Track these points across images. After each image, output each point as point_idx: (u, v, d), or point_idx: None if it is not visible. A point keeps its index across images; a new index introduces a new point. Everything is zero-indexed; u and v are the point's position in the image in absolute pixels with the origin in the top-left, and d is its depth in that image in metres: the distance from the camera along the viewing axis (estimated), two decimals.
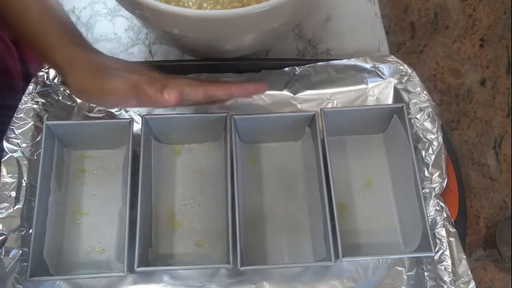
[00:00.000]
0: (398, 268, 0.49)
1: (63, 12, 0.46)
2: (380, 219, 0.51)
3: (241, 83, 0.49)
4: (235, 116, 0.49)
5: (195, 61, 0.56)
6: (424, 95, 0.53)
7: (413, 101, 0.53)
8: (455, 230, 0.48)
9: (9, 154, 0.49)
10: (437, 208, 0.48)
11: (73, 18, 0.60)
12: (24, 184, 0.48)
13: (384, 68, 0.55)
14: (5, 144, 0.49)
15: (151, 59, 0.59)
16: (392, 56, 0.55)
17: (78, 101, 0.54)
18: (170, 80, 0.44)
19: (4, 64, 0.64)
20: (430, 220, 0.48)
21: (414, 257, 0.49)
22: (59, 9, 0.46)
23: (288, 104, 0.55)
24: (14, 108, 0.51)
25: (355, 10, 0.62)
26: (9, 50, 0.65)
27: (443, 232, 0.47)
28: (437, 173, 0.49)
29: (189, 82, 0.45)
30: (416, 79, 0.54)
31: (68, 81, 0.43)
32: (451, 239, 0.47)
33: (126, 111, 0.54)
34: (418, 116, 0.52)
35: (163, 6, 0.40)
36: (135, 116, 0.54)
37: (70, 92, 0.51)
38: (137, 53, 0.59)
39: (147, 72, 0.44)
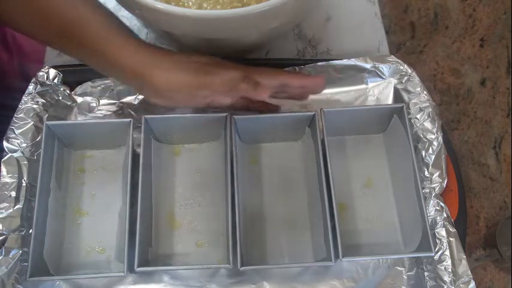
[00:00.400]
0: (398, 268, 0.49)
1: (118, 18, 0.45)
2: (380, 219, 0.51)
3: (312, 77, 0.49)
4: (235, 116, 0.49)
5: None
6: (424, 95, 0.53)
7: (413, 101, 0.53)
8: (455, 230, 0.48)
9: (9, 154, 0.49)
10: (437, 208, 0.48)
11: None
12: (24, 184, 0.48)
13: (384, 68, 0.55)
14: (5, 144, 0.49)
15: None
16: (392, 56, 0.55)
17: (78, 101, 0.55)
18: (253, 71, 0.45)
19: (4, 64, 0.64)
20: (430, 220, 0.48)
21: (414, 257, 0.49)
22: (114, 16, 0.45)
23: (288, 104, 0.55)
24: (14, 108, 0.51)
25: (355, 10, 0.62)
26: (9, 50, 0.65)
27: (443, 232, 0.47)
28: (437, 173, 0.49)
29: (268, 69, 0.46)
30: (416, 79, 0.54)
31: (151, 81, 0.42)
32: (451, 239, 0.47)
33: (127, 111, 0.54)
34: (418, 116, 0.52)
35: (163, 6, 0.40)
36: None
37: (150, 92, 0.45)
38: None
39: (233, 68, 0.44)
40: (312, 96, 0.56)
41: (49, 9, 0.42)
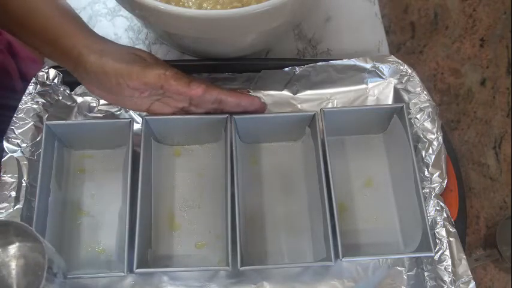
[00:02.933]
0: (398, 268, 0.49)
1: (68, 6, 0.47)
2: (380, 219, 0.51)
3: (249, 96, 0.50)
4: (235, 116, 0.49)
5: (195, 61, 0.56)
6: (424, 95, 0.53)
7: (413, 101, 0.53)
8: (455, 230, 0.48)
9: (9, 154, 0.49)
10: (437, 208, 0.48)
11: None
12: (24, 184, 0.48)
13: (384, 68, 0.55)
14: (5, 144, 0.49)
15: None
16: (392, 56, 0.55)
17: (78, 101, 0.54)
18: (193, 78, 0.46)
19: (4, 64, 0.64)
20: (430, 220, 0.48)
21: (414, 257, 0.49)
22: (70, 7, 0.47)
23: (288, 104, 0.55)
24: (14, 108, 0.51)
25: (355, 10, 0.62)
26: (9, 50, 0.65)
27: (443, 232, 0.47)
28: (437, 173, 0.49)
29: (205, 84, 0.47)
30: (416, 79, 0.54)
31: (86, 63, 0.43)
32: (451, 239, 0.47)
33: (126, 111, 0.54)
34: (418, 116, 0.52)
35: (163, 6, 0.40)
36: (135, 116, 0.54)
37: (80, 78, 0.47)
38: None
39: (172, 68, 0.45)
40: (312, 96, 0.56)
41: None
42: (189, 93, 0.45)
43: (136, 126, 0.50)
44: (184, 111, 0.49)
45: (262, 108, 0.51)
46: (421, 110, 0.52)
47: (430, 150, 0.50)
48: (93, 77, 0.44)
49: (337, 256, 0.44)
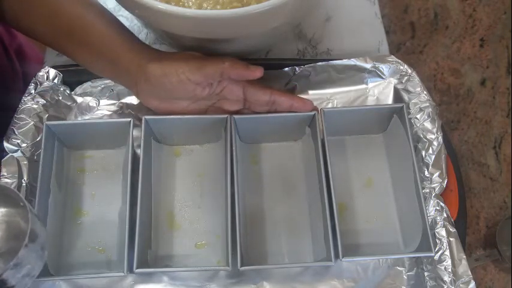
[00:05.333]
0: (398, 268, 0.49)
1: (119, 21, 0.48)
2: (380, 219, 0.51)
3: (301, 98, 0.51)
4: (235, 116, 0.49)
5: None
6: (424, 95, 0.53)
7: (413, 101, 0.53)
8: (455, 230, 0.48)
9: (9, 154, 0.49)
10: (437, 208, 0.48)
11: None
12: (24, 184, 0.48)
13: (384, 68, 0.55)
14: (5, 144, 0.49)
15: None
16: (392, 56, 0.55)
17: (78, 101, 0.54)
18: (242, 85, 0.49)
19: (4, 64, 0.64)
20: (430, 220, 0.48)
21: (414, 257, 0.49)
22: (117, 20, 0.48)
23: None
24: (14, 108, 0.51)
25: (355, 10, 0.62)
26: (9, 51, 0.65)
27: (443, 232, 0.47)
28: (437, 173, 0.49)
29: (258, 84, 0.49)
30: (416, 79, 0.54)
31: (146, 70, 0.45)
32: (451, 239, 0.47)
33: (126, 111, 0.54)
34: (418, 116, 0.52)
35: (163, 6, 0.40)
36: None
37: (142, 91, 0.48)
38: None
39: (228, 57, 0.46)
40: (312, 96, 0.56)
41: (57, 11, 0.45)
42: (250, 74, 0.46)
43: (136, 126, 0.50)
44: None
45: (314, 110, 0.51)
46: (421, 110, 0.52)
47: (430, 150, 0.50)
48: (153, 82, 0.45)
49: (337, 256, 0.44)
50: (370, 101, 0.56)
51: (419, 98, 0.53)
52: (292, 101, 0.49)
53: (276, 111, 0.50)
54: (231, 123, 0.49)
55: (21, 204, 0.38)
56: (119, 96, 0.55)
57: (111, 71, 0.48)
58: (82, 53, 0.47)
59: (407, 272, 0.49)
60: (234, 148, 0.48)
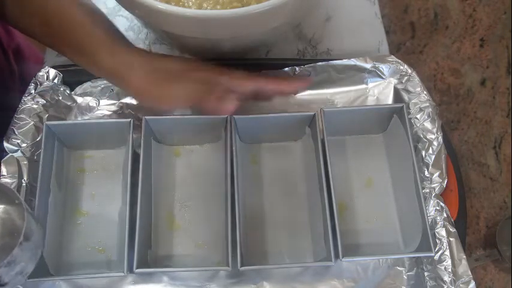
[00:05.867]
0: (398, 268, 0.49)
1: (110, 21, 0.47)
2: (380, 219, 0.51)
3: (287, 79, 0.50)
4: (235, 116, 0.49)
5: None
6: (424, 95, 0.53)
7: (413, 101, 0.53)
8: (455, 230, 0.48)
9: (9, 154, 0.49)
10: (437, 208, 0.48)
11: None
12: (24, 184, 0.48)
13: (384, 68, 0.55)
14: (5, 144, 0.49)
15: None
16: (392, 56, 0.55)
17: (78, 101, 0.55)
18: (226, 78, 0.46)
19: (4, 65, 0.64)
20: (430, 220, 0.48)
21: (414, 257, 0.49)
22: (106, 19, 0.47)
23: (288, 104, 0.55)
24: (14, 108, 0.51)
25: (355, 10, 0.62)
26: (9, 51, 0.65)
27: (443, 232, 0.47)
28: (437, 173, 0.49)
29: (243, 75, 0.47)
30: (416, 79, 0.54)
31: (128, 83, 0.45)
32: (451, 239, 0.47)
33: (126, 111, 0.54)
34: (418, 116, 0.52)
35: (163, 6, 0.40)
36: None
37: (131, 94, 0.51)
38: None
39: (205, 74, 0.46)
40: (312, 96, 0.56)
41: (47, 11, 0.44)
42: (221, 113, 0.47)
43: (136, 127, 0.50)
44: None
45: (307, 83, 0.51)
46: (421, 110, 0.52)
47: (430, 150, 0.50)
48: (140, 100, 0.47)
49: (337, 256, 0.44)
50: (370, 101, 0.56)
51: (419, 98, 0.53)
52: (280, 86, 0.49)
53: (273, 111, 0.49)
54: (231, 123, 0.49)
55: (17, 201, 0.38)
56: (119, 96, 0.55)
57: (99, 73, 0.48)
58: (69, 52, 0.47)
59: (407, 272, 0.49)
60: (234, 148, 0.48)
